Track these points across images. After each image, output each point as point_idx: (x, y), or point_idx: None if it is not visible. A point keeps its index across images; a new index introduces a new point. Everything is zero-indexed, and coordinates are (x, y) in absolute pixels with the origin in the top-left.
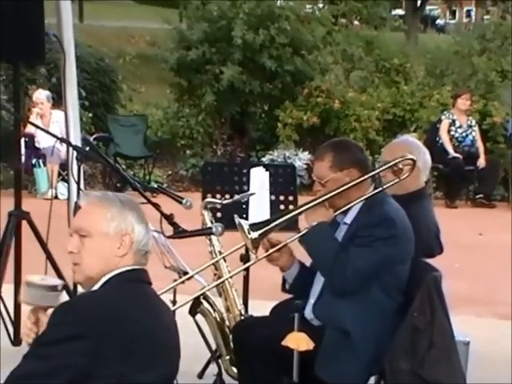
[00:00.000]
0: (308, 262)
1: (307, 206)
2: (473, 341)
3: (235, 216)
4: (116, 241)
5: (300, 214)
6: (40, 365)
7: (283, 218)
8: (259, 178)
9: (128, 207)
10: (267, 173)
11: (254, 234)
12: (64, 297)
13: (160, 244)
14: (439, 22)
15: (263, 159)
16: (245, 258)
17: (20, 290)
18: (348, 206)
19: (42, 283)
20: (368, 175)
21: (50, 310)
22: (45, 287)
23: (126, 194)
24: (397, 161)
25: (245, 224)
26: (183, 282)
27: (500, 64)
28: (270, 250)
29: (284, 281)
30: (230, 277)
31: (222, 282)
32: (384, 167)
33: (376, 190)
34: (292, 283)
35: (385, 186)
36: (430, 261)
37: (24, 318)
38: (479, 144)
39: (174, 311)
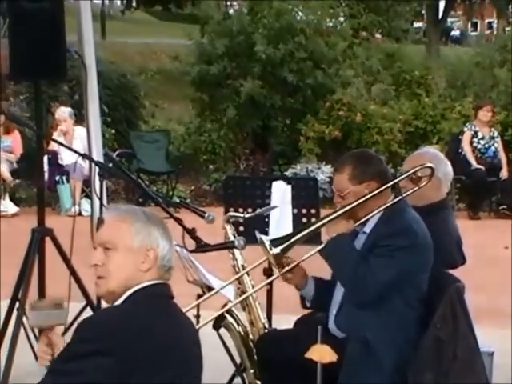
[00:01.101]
0: (326, 275)
1: (327, 219)
2: (496, 352)
3: (256, 232)
4: (140, 255)
5: (320, 227)
6: (63, 381)
7: (304, 233)
8: (281, 192)
9: (153, 222)
10: (289, 186)
11: (276, 250)
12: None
13: (183, 258)
14: (454, 33)
15: (286, 173)
16: (268, 272)
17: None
18: (368, 217)
19: (42, 304)
20: (386, 185)
21: (59, 328)
22: (46, 307)
23: (154, 210)
24: (415, 169)
25: (266, 240)
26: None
27: None
28: (282, 271)
29: (302, 298)
30: (254, 292)
31: (247, 297)
32: (402, 176)
33: (396, 199)
34: (312, 300)
35: (404, 194)
36: (452, 272)
37: (38, 344)
38: (502, 155)
39: (197, 324)
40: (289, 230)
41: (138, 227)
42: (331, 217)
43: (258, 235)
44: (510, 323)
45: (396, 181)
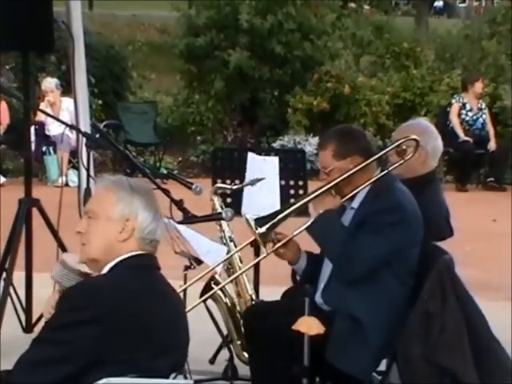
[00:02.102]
0: (316, 250)
1: (312, 196)
2: None
3: (242, 212)
4: (119, 225)
5: (306, 203)
6: (50, 350)
7: (289, 210)
8: (255, 165)
9: (137, 193)
10: (276, 158)
11: (262, 229)
12: None
13: (170, 229)
14: (437, 4)
15: (273, 145)
16: (255, 245)
17: (53, 265)
18: (355, 192)
19: (77, 268)
20: (371, 159)
21: None
22: (78, 272)
23: (141, 181)
24: (399, 142)
25: (251, 219)
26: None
27: (510, 47)
28: (276, 246)
29: (294, 272)
30: (243, 273)
31: (236, 277)
32: (386, 150)
33: (382, 173)
34: (302, 274)
35: (390, 168)
36: (440, 244)
37: (49, 295)
38: (490, 127)
39: (185, 296)
40: (276, 202)
41: (120, 196)
42: (317, 193)
43: (244, 214)
44: (497, 295)
45: (380, 154)
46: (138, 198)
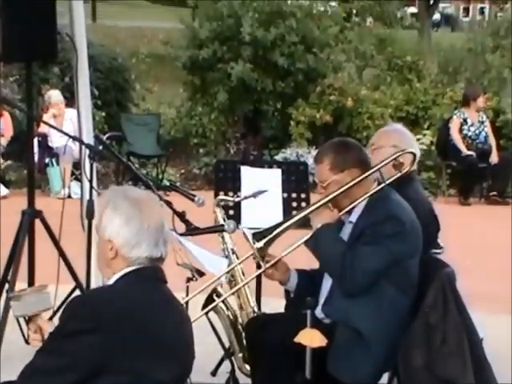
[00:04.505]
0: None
1: (310, 209)
2: (487, 337)
3: (239, 226)
4: (107, 243)
5: (304, 217)
6: (52, 360)
7: (286, 224)
8: (250, 178)
9: (121, 209)
10: (278, 170)
11: (259, 244)
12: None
13: (172, 241)
14: (436, 17)
15: (276, 157)
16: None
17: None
18: (352, 205)
19: (24, 292)
20: (369, 172)
21: (46, 313)
22: (28, 295)
23: (140, 189)
24: (395, 156)
25: (249, 234)
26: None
27: None
28: (263, 268)
29: (287, 292)
30: (244, 285)
31: (238, 288)
32: (383, 163)
33: (379, 186)
34: (295, 293)
35: (387, 181)
36: (440, 257)
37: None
38: (491, 139)
39: (187, 308)
40: (278, 214)
41: (106, 213)
42: (314, 207)
43: (242, 228)
44: (499, 308)
45: (378, 167)
46: (119, 214)
